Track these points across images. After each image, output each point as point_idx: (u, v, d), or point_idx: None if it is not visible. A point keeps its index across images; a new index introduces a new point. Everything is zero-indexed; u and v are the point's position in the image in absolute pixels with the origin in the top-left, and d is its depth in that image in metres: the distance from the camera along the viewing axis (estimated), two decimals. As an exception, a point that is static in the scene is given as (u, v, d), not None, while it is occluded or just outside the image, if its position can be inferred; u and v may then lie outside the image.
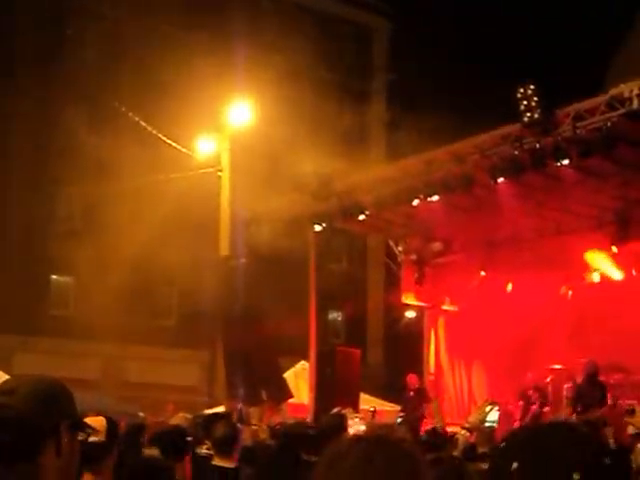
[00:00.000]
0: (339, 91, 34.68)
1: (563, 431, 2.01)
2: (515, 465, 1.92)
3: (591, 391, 16.46)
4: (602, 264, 19.30)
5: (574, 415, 16.10)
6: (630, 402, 16.30)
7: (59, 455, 2.25)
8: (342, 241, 32.78)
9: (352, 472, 1.88)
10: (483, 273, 21.48)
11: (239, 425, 10.01)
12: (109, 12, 32.32)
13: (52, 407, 2.28)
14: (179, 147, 25.02)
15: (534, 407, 17.82)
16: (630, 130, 14.47)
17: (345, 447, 1.94)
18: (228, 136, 25.11)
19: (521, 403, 18.01)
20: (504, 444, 2.02)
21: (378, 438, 1.98)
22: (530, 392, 18.09)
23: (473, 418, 5.21)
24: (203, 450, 8.06)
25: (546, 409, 17.98)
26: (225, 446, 7.02)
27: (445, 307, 22.54)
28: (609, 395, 16.25)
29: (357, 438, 2.01)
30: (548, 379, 18.58)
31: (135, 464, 4.87)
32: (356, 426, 9.64)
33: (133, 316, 30.17)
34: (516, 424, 17.62)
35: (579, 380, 17.04)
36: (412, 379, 19.39)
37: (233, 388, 20.64)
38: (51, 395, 2.31)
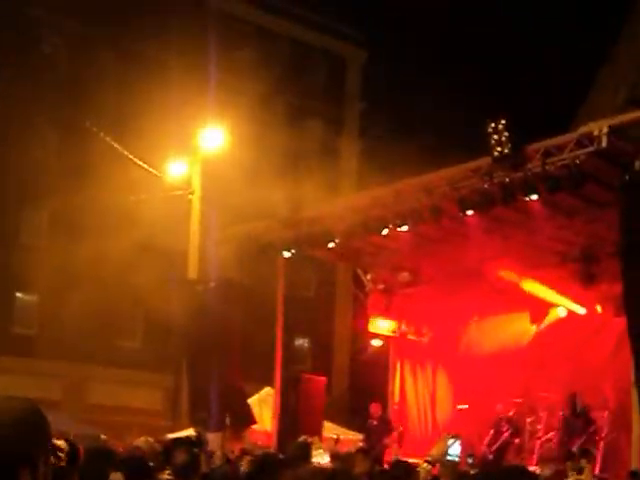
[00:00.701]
0: (311, 118, 34.87)
1: (523, 477, 2.01)
2: None
3: (575, 421, 16.86)
4: (567, 300, 19.47)
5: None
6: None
7: (35, 483, 2.21)
8: (311, 268, 32.82)
9: None
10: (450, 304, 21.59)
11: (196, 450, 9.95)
12: (83, 31, 32.26)
13: (30, 434, 2.24)
14: (150, 169, 24.96)
15: (504, 436, 18.02)
16: (598, 168, 14.65)
17: (304, 476, 2.00)
18: (199, 159, 25.12)
19: (492, 432, 18.15)
20: None
21: (334, 470, 2.05)
22: (502, 422, 18.26)
23: (435, 451, 5.20)
24: (165, 477, 7.99)
25: (516, 440, 18.16)
26: (185, 473, 6.97)
27: (411, 337, 22.59)
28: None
29: (317, 469, 2.07)
30: (511, 412, 18.67)
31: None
32: (319, 457, 9.62)
33: (98, 337, 29.94)
34: (483, 448, 17.80)
35: (565, 412, 17.33)
36: (375, 408, 19.40)
37: (196, 413, 20.53)
38: (30, 422, 2.26)
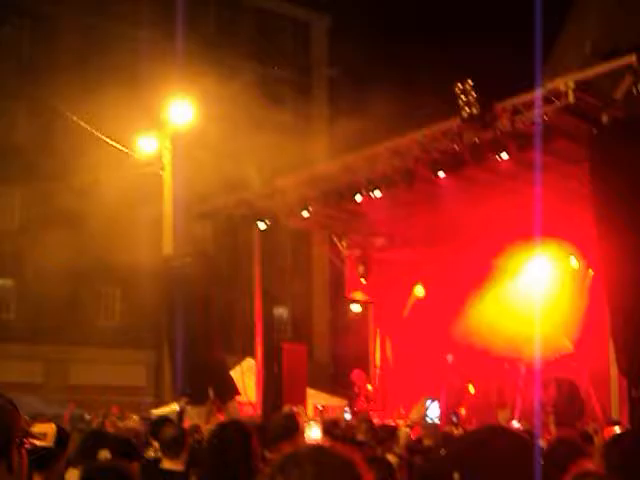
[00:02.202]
0: (280, 87, 34.73)
1: (500, 438, 2.05)
2: (457, 476, 1.96)
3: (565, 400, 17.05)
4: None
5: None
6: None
7: (11, 472, 2.25)
8: (286, 237, 32.85)
9: (300, 474, 2.00)
10: (420, 289, 21.83)
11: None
12: (48, 9, 31.85)
13: (1, 426, 2.27)
14: (119, 146, 24.80)
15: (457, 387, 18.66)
16: (567, 124, 14.71)
17: (296, 452, 2.06)
18: (169, 134, 24.98)
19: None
20: (444, 453, 2.06)
21: (326, 447, 2.11)
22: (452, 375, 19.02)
23: (414, 414, 5.24)
24: (151, 453, 8.04)
25: (467, 386, 18.83)
26: (173, 448, 7.00)
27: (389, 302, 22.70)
28: None
29: (311, 446, 2.15)
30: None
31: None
32: (311, 431, 9.69)
33: (76, 318, 29.86)
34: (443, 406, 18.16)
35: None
36: (357, 375, 19.57)
37: (179, 388, 20.58)
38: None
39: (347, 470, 2.04)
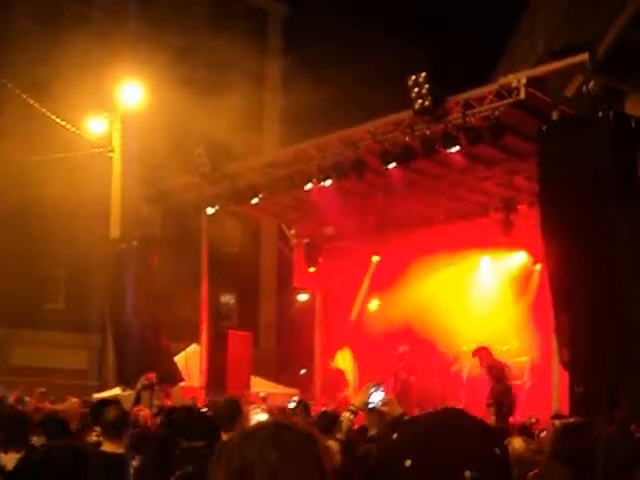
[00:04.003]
0: (233, 73, 34.46)
1: (455, 422, 1.97)
2: (408, 462, 1.88)
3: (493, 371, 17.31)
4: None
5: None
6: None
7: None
8: (235, 224, 32.69)
9: (258, 452, 1.96)
10: (376, 258, 21.83)
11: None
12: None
13: None
14: (69, 126, 24.46)
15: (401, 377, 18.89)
16: (517, 119, 14.86)
17: (252, 429, 2.05)
18: (119, 116, 24.71)
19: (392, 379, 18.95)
20: (395, 437, 1.97)
21: (283, 421, 2.09)
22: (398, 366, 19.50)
23: (358, 400, 5.24)
24: (93, 437, 7.96)
25: (412, 378, 19.02)
26: (114, 430, 6.94)
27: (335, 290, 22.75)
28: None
29: (263, 422, 2.12)
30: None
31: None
32: (257, 416, 9.68)
33: (20, 299, 29.41)
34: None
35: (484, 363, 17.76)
36: None
37: (123, 372, 20.44)
38: None
39: (308, 449, 2.01)
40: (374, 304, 22.46)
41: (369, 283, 22.33)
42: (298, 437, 2.02)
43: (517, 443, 6.58)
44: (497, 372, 17.18)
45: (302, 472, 1.97)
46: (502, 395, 16.66)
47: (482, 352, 17.29)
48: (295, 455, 1.98)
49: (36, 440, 6.90)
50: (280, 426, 2.06)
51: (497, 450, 1.92)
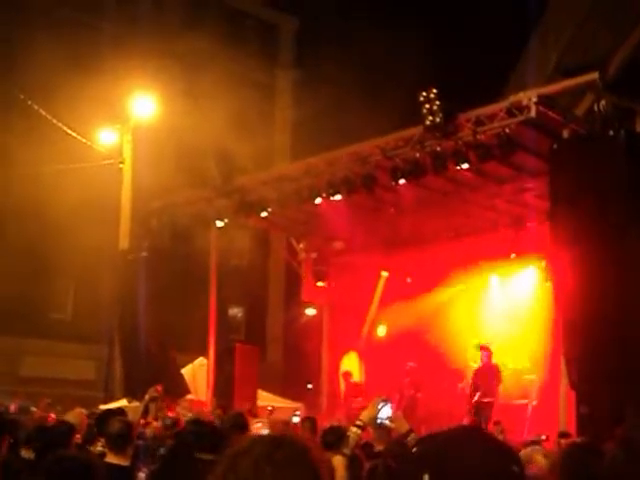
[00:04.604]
0: (244, 87, 34.55)
1: (475, 440, 2.00)
2: (427, 477, 1.91)
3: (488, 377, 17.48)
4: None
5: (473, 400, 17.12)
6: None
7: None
8: (244, 237, 32.72)
9: (253, 468, 1.95)
10: (385, 273, 21.83)
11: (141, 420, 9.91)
12: (10, -2, 31.47)
13: None
14: (79, 137, 24.54)
15: (408, 394, 18.91)
16: (528, 137, 14.85)
17: (247, 445, 2.02)
18: (130, 128, 24.78)
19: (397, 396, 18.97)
20: (415, 451, 2.00)
21: (279, 437, 2.06)
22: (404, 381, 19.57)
23: (365, 415, 5.23)
24: (98, 448, 7.95)
25: (419, 395, 19.03)
26: (119, 442, 6.93)
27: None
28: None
29: (259, 437, 2.09)
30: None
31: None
32: (258, 431, 9.68)
33: (28, 309, 29.47)
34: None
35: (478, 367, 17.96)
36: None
37: (130, 383, 20.42)
38: None
39: (303, 464, 2.00)
40: (382, 320, 22.41)
41: (380, 298, 22.27)
42: (293, 452, 2.01)
43: (540, 459, 6.52)
44: (492, 371, 17.52)
45: None
46: (484, 406, 17.12)
47: (488, 350, 17.77)
48: (289, 470, 1.97)
49: (25, 454, 6.95)
50: (275, 441, 2.06)
51: (515, 468, 1.95)
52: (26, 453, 7.02)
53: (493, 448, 1.98)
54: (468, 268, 19.98)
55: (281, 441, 2.05)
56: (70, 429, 7.36)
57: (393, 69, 34.23)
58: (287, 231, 23.20)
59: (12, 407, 17.04)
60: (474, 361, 18.71)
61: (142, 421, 9.68)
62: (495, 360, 18.12)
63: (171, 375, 19.42)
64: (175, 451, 7.13)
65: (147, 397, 9.58)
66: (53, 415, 15.32)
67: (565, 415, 13.92)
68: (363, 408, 6.20)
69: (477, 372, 18.20)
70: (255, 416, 16.47)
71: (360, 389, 20.98)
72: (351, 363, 22.50)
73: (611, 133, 12.42)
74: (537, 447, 8.27)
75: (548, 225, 13.55)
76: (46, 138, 25.93)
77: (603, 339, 11.95)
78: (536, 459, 6.40)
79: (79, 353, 31.06)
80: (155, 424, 10.75)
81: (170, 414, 14.90)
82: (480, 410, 17.26)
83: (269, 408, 19.43)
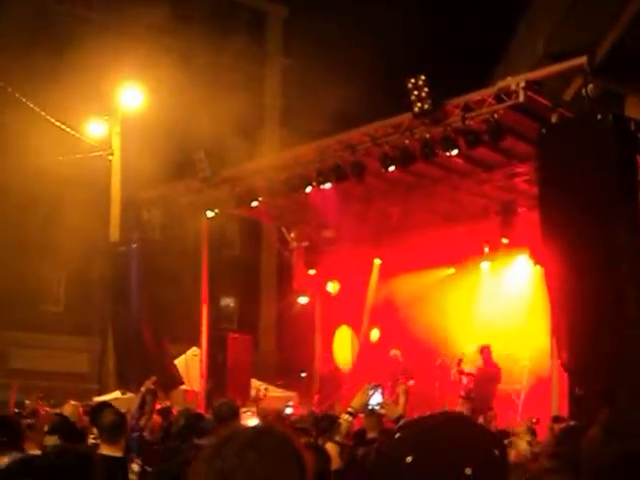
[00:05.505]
0: (233, 76, 34.48)
1: (457, 424, 2.03)
2: (410, 459, 1.94)
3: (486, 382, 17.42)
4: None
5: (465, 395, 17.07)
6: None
7: None
8: (235, 227, 32.73)
9: (238, 454, 1.99)
10: (378, 261, 21.82)
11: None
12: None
13: None
14: (68, 129, 24.47)
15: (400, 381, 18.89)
16: (516, 122, 14.86)
17: (232, 433, 2.05)
18: (119, 119, 24.73)
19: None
20: (399, 435, 2.03)
21: (263, 426, 2.11)
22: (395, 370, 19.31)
23: (356, 402, 5.23)
24: (90, 440, 7.96)
25: (411, 382, 19.07)
26: (112, 434, 6.94)
27: (330, 291, 22.69)
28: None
29: (244, 426, 2.14)
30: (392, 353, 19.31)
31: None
32: (247, 420, 9.69)
33: (19, 302, 29.43)
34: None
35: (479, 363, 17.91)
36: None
37: (123, 375, 20.44)
38: None
39: (287, 451, 2.03)
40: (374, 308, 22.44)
41: (375, 286, 22.25)
42: (277, 440, 2.05)
43: (522, 445, 6.57)
44: (492, 373, 17.45)
45: (281, 474, 2.00)
46: (483, 399, 16.97)
47: (487, 350, 17.70)
48: (273, 457, 2.01)
49: (49, 440, 6.97)
50: (260, 430, 2.12)
51: (496, 451, 1.98)
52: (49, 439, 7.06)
53: (475, 432, 2.01)
54: (458, 254, 19.99)
55: (266, 430, 2.10)
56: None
57: (381, 56, 34.16)
58: (278, 220, 23.20)
59: (11, 401, 17.04)
60: (472, 364, 18.57)
61: (144, 418, 9.61)
62: (493, 354, 18.01)
63: (164, 366, 19.43)
64: (168, 438, 7.15)
65: (143, 389, 9.57)
66: (46, 408, 15.33)
67: (558, 399, 13.98)
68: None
69: (476, 377, 17.83)
70: (244, 405, 16.48)
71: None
72: (343, 349, 22.57)
73: (599, 117, 12.42)
74: (522, 432, 8.31)
75: (538, 210, 13.56)
76: (35, 130, 25.83)
77: (594, 321, 12.00)
78: (518, 445, 6.44)
79: (71, 345, 31.04)
80: (157, 418, 10.74)
81: (158, 405, 14.90)
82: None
83: (263, 388, 19.50)
